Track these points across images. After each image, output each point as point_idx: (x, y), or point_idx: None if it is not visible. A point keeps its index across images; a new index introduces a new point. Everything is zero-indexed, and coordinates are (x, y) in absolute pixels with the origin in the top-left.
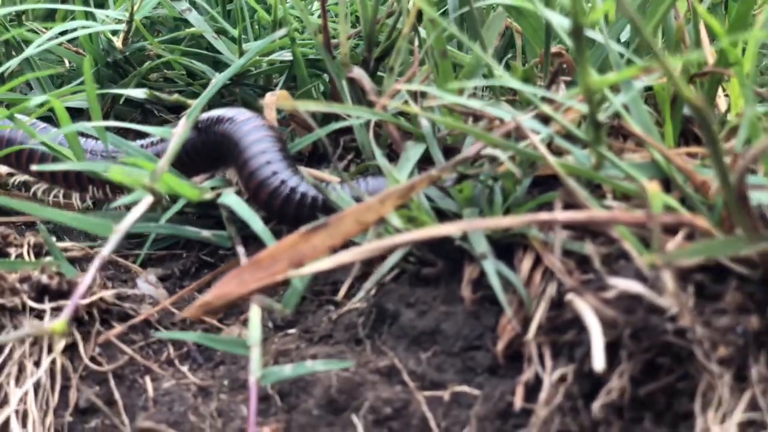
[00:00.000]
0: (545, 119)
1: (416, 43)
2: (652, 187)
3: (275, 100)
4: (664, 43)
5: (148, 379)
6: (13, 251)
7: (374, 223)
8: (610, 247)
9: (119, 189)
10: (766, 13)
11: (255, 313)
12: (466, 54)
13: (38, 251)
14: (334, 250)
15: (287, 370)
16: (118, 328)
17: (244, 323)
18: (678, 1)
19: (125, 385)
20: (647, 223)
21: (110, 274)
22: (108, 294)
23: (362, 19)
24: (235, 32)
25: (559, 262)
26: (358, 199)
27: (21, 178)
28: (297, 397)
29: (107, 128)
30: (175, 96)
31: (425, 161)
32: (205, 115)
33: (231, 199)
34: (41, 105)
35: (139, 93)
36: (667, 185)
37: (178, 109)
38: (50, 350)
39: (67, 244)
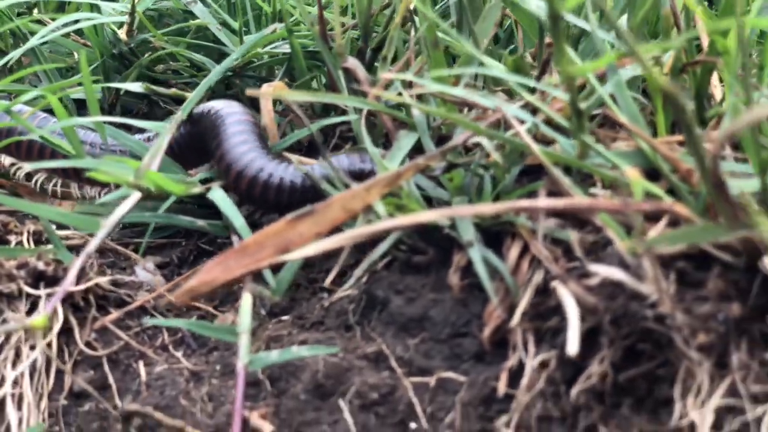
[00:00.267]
0: (535, 108)
1: (412, 33)
2: (633, 174)
3: (272, 91)
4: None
5: (141, 363)
6: (13, 239)
7: (361, 211)
8: (597, 235)
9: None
10: (758, 2)
11: (246, 300)
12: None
13: (38, 239)
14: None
15: (274, 355)
16: (114, 314)
17: (239, 310)
18: None
19: (120, 370)
20: (623, 210)
21: (110, 261)
22: (103, 281)
23: (357, 10)
24: (236, 24)
25: (546, 250)
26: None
27: (27, 168)
28: (287, 382)
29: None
30: (173, 90)
31: (420, 150)
32: (197, 108)
33: (216, 194)
34: (39, 98)
35: (136, 87)
36: (657, 174)
37: (183, 101)
38: (46, 335)
39: (68, 232)
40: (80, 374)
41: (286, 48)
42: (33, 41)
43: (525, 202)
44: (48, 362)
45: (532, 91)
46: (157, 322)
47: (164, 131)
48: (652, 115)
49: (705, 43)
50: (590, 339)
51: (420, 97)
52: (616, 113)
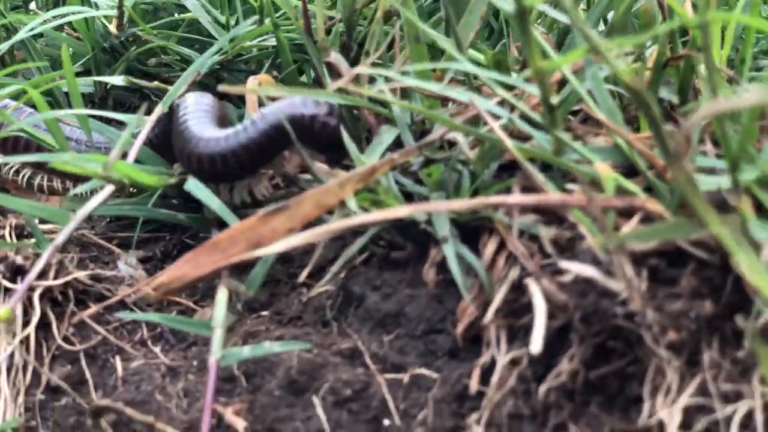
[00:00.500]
0: (513, 104)
1: (397, 27)
2: (604, 170)
3: (249, 87)
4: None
5: (119, 358)
6: None
7: (335, 206)
8: (574, 231)
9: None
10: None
11: (221, 296)
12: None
13: (21, 232)
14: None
15: (246, 351)
16: (92, 308)
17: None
18: None
19: (97, 365)
20: (592, 206)
21: (93, 255)
22: (81, 275)
23: (341, 4)
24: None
25: (522, 246)
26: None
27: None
28: (262, 378)
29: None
30: (156, 83)
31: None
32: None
33: (192, 184)
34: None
35: (118, 80)
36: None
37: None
38: (25, 327)
39: (51, 225)
40: (58, 369)
41: (274, 41)
42: (21, 34)
43: (496, 199)
44: (27, 356)
45: (513, 87)
46: (131, 316)
47: (132, 124)
48: (636, 110)
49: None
50: (562, 336)
51: (405, 92)
52: (593, 108)
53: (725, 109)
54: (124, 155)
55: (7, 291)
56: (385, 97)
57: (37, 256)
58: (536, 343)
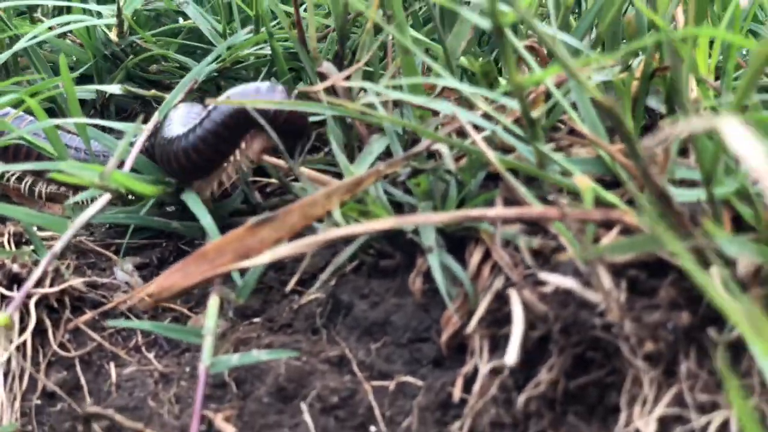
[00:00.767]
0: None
1: (390, 37)
2: (582, 182)
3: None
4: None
5: (113, 365)
6: None
7: (321, 217)
8: (557, 241)
9: None
10: (732, 9)
11: (213, 304)
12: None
13: (19, 240)
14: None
15: (235, 359)
16: (87, 315)
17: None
18: None
19: (92, 371)
20: (569, 219)
21: (91, 262)
22: (77, 282)
23: (333, 14)
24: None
25: (507, 256)
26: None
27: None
28: (251, 385)
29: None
30: (153, 91)
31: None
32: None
33: (188, 195)
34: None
35: (116, 89)
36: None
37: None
38: (21, 334)
39: (50, 233)
40: (53, 374)
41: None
42: (21, 43)
43: (477, 211)
44: (24, 362)
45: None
46: (123, 324)
47: (129, 133)
48: None
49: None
50: (542, 346)
51: (396, 103)
52: (576, 121)
53: (677, 134)
54: (121, 163)
55: (4, 298)
56: (373, 110)
57: (35, 263)
58: (511, 355)
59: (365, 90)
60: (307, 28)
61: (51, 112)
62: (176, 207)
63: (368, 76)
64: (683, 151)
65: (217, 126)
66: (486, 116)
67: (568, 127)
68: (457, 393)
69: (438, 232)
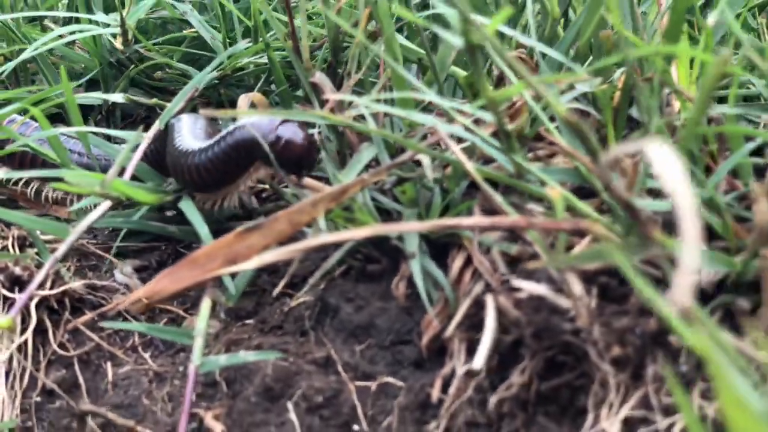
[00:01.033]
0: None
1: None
2: (554, 194)
3: (248, 101)
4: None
5: (110, 364)
6: None
7: (307, 224)
8: (536, 249)
9: None
10: (711, 19)
11: (205, 306)
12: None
13: (23, 243)
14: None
15: (223, 359)
16: (86, 316)
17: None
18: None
19: (90, 370)
20: (536, 228)
21: (92, 264)
22: (76, 285)
23: (327, 26)
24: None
25: (487, 262)
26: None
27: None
28: (241, 385)
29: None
30: (154, 99)
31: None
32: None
33: (185, 203)
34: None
35: (118, 97)
36: None
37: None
38: (22, 334)
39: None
40: (53, 373)
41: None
42: (29, 51)
43: (453, 221)
44: (25, 360)
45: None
46: (117, 325)
47: (131, 141)
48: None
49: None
50: (516, 350)
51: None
52: (552, 132)
53: (622, 155)
54: (122, 170)
55: (6, 300)
56: (361, 121)
57: (38, 266)
58: (479, 360)
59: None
60: (301, 40)
61: (58, 117)
62: (175, 211)
63: (362, 84)
64: None
65: (229, 150)
66: (468, 128)
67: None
68: (435, 394)
69: (422, 238)
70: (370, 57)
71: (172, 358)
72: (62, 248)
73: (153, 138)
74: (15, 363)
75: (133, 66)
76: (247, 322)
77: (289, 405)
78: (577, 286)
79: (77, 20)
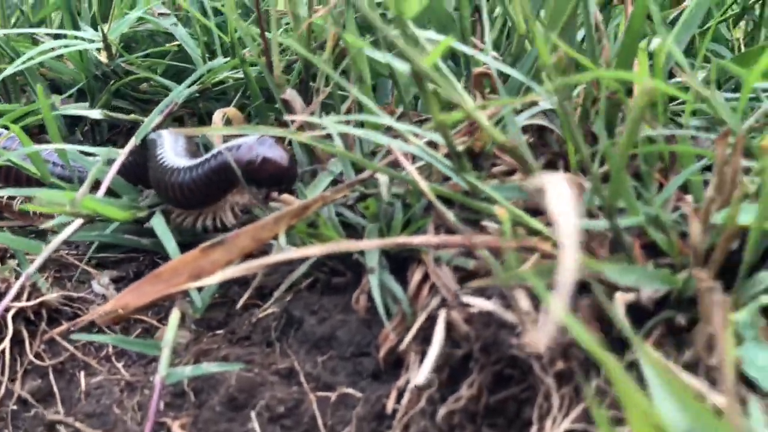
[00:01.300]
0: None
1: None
2: (501, 212)
3: (222, 117)
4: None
5: (83, 373)
6: None
7: (270, 239)
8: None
9: None
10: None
11: (174, 318)
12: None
13: (4, 255)
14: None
15: (188, 370)
16: (62, 326)
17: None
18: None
19: (65, 379)
20: (472, 247)
21: (71, 275)
22: (52, 297)
23: (299, 43)
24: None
25: (443, 277)
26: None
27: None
28: (207, 394)
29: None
30: (132, 115)
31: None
32: (151, 135)
33: (156, 220)
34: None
35: (96, 114)
36: None
37: (179, 118)
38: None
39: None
40: (29, 382)
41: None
42: (11, 69)
43: (403, 239)
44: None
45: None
46: (86, 337)
47: (101, 158)
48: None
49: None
50: (467, 363)
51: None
52: (505, 152)
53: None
54: (98, 184)
55: None
56: (311, 142)
57: (18, 277)
58: (421, 375)
59: (329, 113)
60: (273, 57)
61: (42, 130)
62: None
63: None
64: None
65: (211, 173)
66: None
67: None
68: (390, 405)
69: (382, 253)
70: (338, 72)
71: (144, 367)
72: (35, 264)
73: (132, 151)
74: None
75: (113, 81)
76: (218, 332)
77: (252, 415)
78: (524, 302)
79: (64, 36)
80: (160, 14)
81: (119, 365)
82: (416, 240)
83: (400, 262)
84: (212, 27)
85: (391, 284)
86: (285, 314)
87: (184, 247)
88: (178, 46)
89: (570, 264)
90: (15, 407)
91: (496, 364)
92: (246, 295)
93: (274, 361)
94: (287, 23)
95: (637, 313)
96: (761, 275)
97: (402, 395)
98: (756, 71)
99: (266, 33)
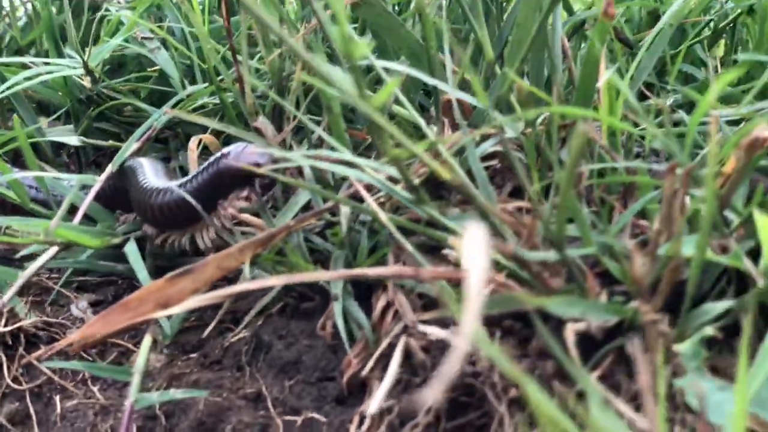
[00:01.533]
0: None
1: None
2: (455, 243)
3: (198, 143)
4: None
5: (59, 397)
6: None
7: (235, 269)
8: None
9: None
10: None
11: (145, 344)
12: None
13: None
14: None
15: (155, 396)
16: (39, 351)
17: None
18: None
19: (42, 402)
20: (418, 278)
21: (52, 299)
22: (28, 323)
23: (270, 71)
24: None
25: (406, 304)
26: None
27: None
28: (178, 418)
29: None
30: (110, 141)
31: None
32: (129, 162)
33: (129, 248)
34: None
35: (73, 140)
36: None
37: (163, 140)
38: None
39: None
40: (7, 405)
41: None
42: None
43: (358, 271)
44: None
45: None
46: (58, 364)
47: (75, 187)
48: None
49: None
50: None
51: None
52: (461, 183)
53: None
54: (74, 209)
55: None
56: (277, 177)
57: None
58: (373, 406)
59: (302, 141)
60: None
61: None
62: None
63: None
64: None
65: (200, 188)
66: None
67: None
68: (353, 430)
69: (349, 280)
70: (309, 98)
71: (119, 390)
72: (11, 291)
73: (115, 176)
74: None
75: (93, 108)
76: (191, 355)
77: None
78: (477, 332)
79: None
80: (143, 38)
81: (95, 389)
82: (371, 272)
83: (365, 288)
84: (187, 53)
85: (355, 311)
86: (255, 339)
87: (163, 270)
88: (160, 70)
89: (472, 315)
90: None
91: (453, 391)
92: (216, 320)
93: (242, 385)
94: (259, 51)
95: (592, 341)
96: (706, 306)
97: (364, 420)
98: (704, 105)
99: (240, 60)
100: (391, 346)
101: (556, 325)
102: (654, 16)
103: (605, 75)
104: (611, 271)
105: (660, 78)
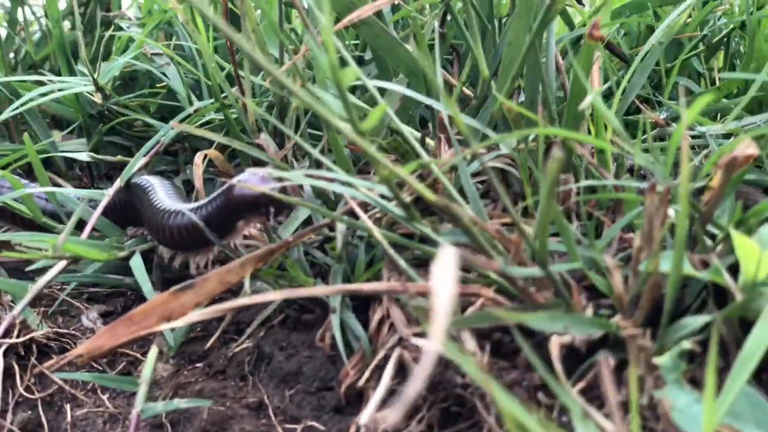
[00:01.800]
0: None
1: None
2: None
3: (203, 158)
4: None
5: (70, 406)
6: None
7: (236, 284)
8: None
9: None
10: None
11: (152, 354)
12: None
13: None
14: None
15: (160, 406)
16: (51, 361)
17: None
18: None
19: (54, 410)
20: (408, 293)
21: (63, 310)
22: (39, 334)
23: (272, 90)
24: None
25: (401, 316)
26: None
27: None
28: (183, 426)
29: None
30: (119, 156)
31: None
32: (135, 178)
33: (134, 262)
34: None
35: (83, 156)
36: None
37: (173, 153)
38: None
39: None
40: (20, 414)
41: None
42: (7, 113)
43: (351, 287)
44: None
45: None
46: (66, 375)
47: (83, 203)
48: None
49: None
50: (419, 401)
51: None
52: (451, 200)
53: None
54: (82, 224)
55: None
56: (277, 196)
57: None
58: (365, 417)
59: (303, 157)
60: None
61: (46, 162)
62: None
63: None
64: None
65: (214, 213)
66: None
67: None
68: None
69: (347, 294)
70: (306, 119)
71: (127, 399)
72: (22, 303)
73: (118, 191)
74: None
75: (103, 124)
76: (197, 365)
77: None
78: (470, 343)
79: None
80: (153, 54)
81: (104, 397)
82: (366, 287)
83: (364, 300)
84: (194, 70)
85: (353, 323)
86: (257, 350)
87: (170, 281)
88: (169, 86)
89: (437, 336)
90: None
91: (444, 401)
92: (218, 332)
93: (245, 394)
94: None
95: (578, 354)
96: (685, 321)
97: (360, 429)
98: (680, 128)
99: (242, 78)
100: (387, 358)
101: (544, 337)
102: (652, 30)
103: (591, 95)
104: (597, 285)
105: (657, 91)
